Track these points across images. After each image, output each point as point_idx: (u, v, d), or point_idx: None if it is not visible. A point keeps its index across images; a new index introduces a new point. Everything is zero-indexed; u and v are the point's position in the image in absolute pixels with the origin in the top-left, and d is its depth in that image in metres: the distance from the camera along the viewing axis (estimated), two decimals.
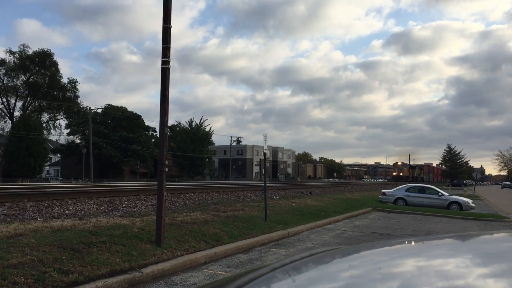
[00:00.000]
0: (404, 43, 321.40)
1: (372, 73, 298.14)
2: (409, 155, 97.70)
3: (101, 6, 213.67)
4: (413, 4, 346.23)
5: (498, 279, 1.18)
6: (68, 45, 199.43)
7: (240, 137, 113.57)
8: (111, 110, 73.00)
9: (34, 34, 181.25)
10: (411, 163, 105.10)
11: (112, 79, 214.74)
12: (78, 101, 74.66)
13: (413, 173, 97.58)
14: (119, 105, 75.78)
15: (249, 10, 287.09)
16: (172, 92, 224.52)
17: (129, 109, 76.16)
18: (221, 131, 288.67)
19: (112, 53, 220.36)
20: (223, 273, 7.03)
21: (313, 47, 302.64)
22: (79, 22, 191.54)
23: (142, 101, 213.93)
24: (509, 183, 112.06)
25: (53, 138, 78.21)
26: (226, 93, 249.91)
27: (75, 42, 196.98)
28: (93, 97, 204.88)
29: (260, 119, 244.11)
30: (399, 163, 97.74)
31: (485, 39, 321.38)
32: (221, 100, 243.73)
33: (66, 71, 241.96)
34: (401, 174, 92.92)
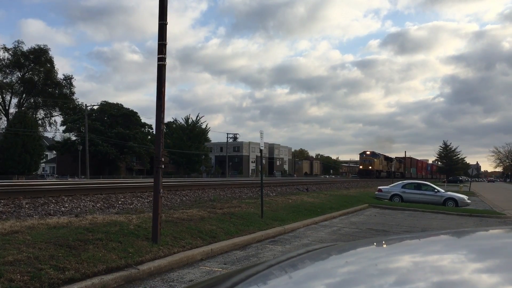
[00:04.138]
0: (400, 42, 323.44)
1: (369, 71, 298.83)
2: (405, 151, 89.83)
3: (105, 7, 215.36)
4: (409, 6, 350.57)
5: (492, 274, 1.19)
6: (71, 44, 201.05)
7: (236, 134, 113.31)
8: (107, 107, 72.79)
9: (38, 34, 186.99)
10: (389, 154, 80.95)
11: (113, 78, 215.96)
12: (74, 97, 74.52)
13: (389, 167, 74.46)
14: (119, 102, 75.67)
15: (250, 11, 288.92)
16: (172, 90, 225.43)
17: (129, 106, 76.37)
18: (219, 128, 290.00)
19: (114, 52, 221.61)
20: (220, 269, 7.04)
21: (311, 47, 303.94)
22: (83, 22, 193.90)
23: (141, 99, 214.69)
24: (492, 178, 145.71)
25: (48, 135, 78.05)
26: (225, 91, 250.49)
27: (78, 42, 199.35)
28: (94, 95, 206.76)
29: (258, 116, 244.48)
30: (368, 152, 69.12)
31: (479, 39, 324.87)
32: (219, 98, 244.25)
33: (67, 69, 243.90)
34: (370, 167, 66.80)
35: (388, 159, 76.22)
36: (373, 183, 45.18)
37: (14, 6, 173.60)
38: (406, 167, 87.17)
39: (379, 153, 71.88)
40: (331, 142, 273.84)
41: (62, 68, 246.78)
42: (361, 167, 69.65)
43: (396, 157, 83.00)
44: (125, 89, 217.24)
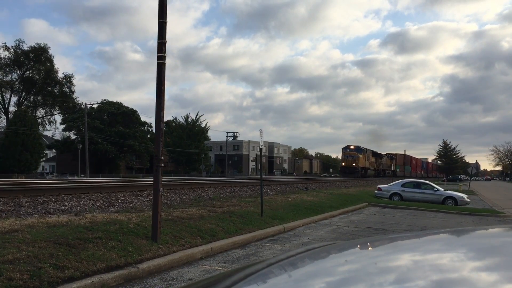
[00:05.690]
0: (400, 42, 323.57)
1: (369, 70, 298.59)
2: (404, 150, 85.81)
3: (108, 8, 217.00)
4: (409, 7, 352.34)
5: (491, 272, 1.19)
6: (74, 44, 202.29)
7: (236, 132, 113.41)
8: (107, 106, 72.79)
9: (41, 33, 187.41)
10: (379, 151, 73.67)
11: (115, 77, 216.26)
12: (74, 96, 74.53)
13: (378, 164, 68.72)
14: (120, 101, 75.70)
15: (251, 11, 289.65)
16: (173, 89, 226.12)
17: (130, 105, 76.57)
18: (219, 127, 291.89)
19: (116, 51, 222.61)
20: (219, 268, 7.04)
21: (312, 47, 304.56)
22: (86, 22, 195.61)
23: (143, 98, 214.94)
24: (489, 177, 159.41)
25: (48, 133, 78.14)
26: (225, 90, 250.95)
27: (80, 41, 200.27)
28: (95, 93, 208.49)
29: (258, 115, 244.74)
30: (351, 147, 60.92)
31: (478, 39, 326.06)
32: (220, 97, 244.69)
33: (69, 69, 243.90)
34: (354, 164, 59.06)
35: (377, 155, 69.47)
36: (372, 181, 45.08)
37: (17, 6, 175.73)
38: (398, 165, 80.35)
39: (366, 148, 63.82)
40: (331, 141, 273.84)
41: (64, 67, 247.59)
42: (343, 164, 61.37)
43: (387, 154, 76.82)
44: (126, 88, 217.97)
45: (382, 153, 74.65)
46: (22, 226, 7.25)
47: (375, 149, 70.16)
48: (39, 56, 69.32)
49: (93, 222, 8.11)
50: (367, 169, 62.91)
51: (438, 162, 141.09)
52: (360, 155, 60.20)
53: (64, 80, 72.82)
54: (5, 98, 69.71)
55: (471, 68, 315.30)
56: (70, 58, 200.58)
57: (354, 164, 59.11)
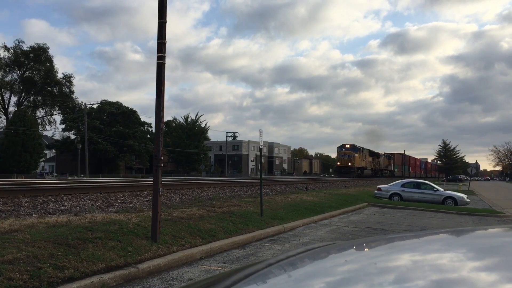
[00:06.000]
0: (400, 43, 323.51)
1: (368, 71, 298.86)
2: (404, 150, 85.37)
3: (108, 8, 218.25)
4: (409, 7, 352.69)
5: (491, 272, 1.19)
6: (74, 44, 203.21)
7: (235, 132, 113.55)
8: (106, 106, 72.79)
9: (41, 34, 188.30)
10: (378, 151, 72.51)
11: (115, 77, 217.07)
12: (74, 96, 74.54)
13: (375, 163, 67.17)
14: (120, 101, 75.76)
15: (251, 12, 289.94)
16: (173, 90, 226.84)
17: (130, 106, 76.59)
18: (219, 127, 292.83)
19: (116, 52, 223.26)
20: (219, 268, 7.04)
21: (312, 47, 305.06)
22: (87, 23, 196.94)
23: (143, 98, 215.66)
24: (488, 177, 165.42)
25: (48, 133, 78.17)
26: (225, 90, 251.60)
27: (81, 41, 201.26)
28: (95, 94, 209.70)
29: (258, 115, 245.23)
30: (347, 146, 59.12)
31: (478, 39, 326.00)
32: (220, 97, 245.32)
33: (69, 69, 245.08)
34: (349, 163, 56.95)
35: (374, 154, 67.48)
36: (372, 182, 45.01)
37: (18, 7, 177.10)
38: (396, 165, 78.47)
39: (362, 147, 61.85)
40: (331, 141, 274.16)
41: (64, 67, 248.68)
42: (338, 163, 59.01)
43: (384, 153, 75.43)
44: (126, 88, 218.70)
45: (380, 152, 73.35)
46: (21, 226, 7.24)
47: (373, 149, 69.07)
48: (39, 56, 69.33)
49: (93, 222, 8.11)
50: (363, 168, 61.33)
51: (438, 162, 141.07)
52: (356, 154, 58.33)
53: (63, 80, 72.88)
54: (5, 98, 69.79)
55: (470, 69, 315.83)
56: (70, 58, 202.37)
57: (349, 164, 57.15)
